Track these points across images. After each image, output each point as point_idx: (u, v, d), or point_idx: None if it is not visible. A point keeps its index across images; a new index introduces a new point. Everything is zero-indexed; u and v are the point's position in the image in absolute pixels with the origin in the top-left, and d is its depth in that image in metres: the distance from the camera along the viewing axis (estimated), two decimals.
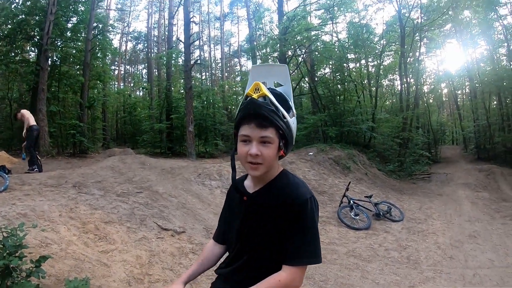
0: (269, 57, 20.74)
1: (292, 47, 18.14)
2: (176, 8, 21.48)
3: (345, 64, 18.90)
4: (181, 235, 5.01)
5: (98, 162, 11.19)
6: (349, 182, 9.30)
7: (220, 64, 40.64)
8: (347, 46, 19.06)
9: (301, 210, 1.22)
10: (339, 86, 18.85)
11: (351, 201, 8.07)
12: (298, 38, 17.78)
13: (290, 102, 1.30)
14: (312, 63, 20.20)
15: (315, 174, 10.92)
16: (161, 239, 4.70)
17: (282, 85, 1.37)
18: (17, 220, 3.74)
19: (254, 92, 1.21)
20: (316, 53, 19.15)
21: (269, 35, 22.92)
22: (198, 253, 4.41)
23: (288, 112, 1.25)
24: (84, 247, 3.87)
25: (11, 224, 3.73)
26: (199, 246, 4.73)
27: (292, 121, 1.28)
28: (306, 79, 20.68)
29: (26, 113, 8.33)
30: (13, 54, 16.17)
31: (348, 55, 19.43)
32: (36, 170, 7.80)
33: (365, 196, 8.82)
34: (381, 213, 8.06)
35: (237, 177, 1.42)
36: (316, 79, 20.10)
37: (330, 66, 21.23)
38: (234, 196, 1.43)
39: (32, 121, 8.22)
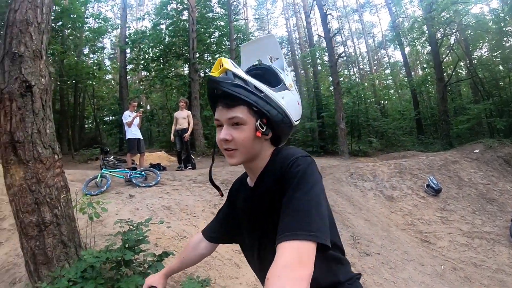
0: (417, 42, 18.43)
1: (441, 27, 15.69)
2: (310, 7, 21.34)
3: (505, 39, 15.13)
4: None
5: None
6: None
7: (366, 58, 38.37)
8: (502, 16, 15.10)
9: (286, 175, 0.94)
10: (500, 67, 15.38)
11: None
12: (445, 16, 15.27)
13: (281, 74, 1.08)
14: (466, 43, 17.00)
15: (483, 177, 8.66)
16: None
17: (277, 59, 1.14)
18: (161, 212, 3.97)
19: (217, 69, 0.98)
20: (470, 31, 16.08)
21: (413, 18, 20.42)
22: None
23: (274, 85, 1.03)
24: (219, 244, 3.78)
25: (154, 215, 3.98)
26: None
27: (282, 95, 1.02)
28: (462, 63, 17.47)
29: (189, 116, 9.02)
30: (167, 72, 19.61)
31: (505, 27, 15.36)
32: (181, 168, 8.79)
33: None
34: None
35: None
36: (474, 61, 16.82)
37: (487, 45, 17.43)
38: (237, 194, 1.26)
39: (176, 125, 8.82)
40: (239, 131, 1.00)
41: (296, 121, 1.07)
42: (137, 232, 2.35)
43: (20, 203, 2.53)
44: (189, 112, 9.07)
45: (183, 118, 8.64)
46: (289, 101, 1.05)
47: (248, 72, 1.05)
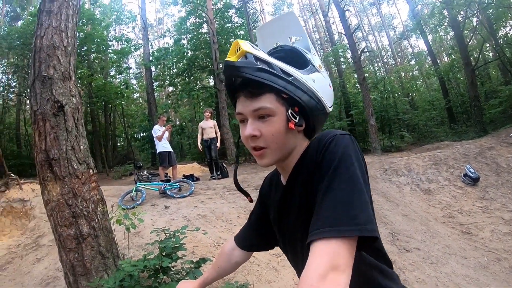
0: (439, 28, 17.85)
1: (461, 9, 15.05)
2: (327, 6, 21.24)
3: None
4: None
5: None
6: None
7: (390, 51, 37.50)
8: None
9: (321, 161, 0.77)
10: None
11: None
12: None
13: (307, 55, 0.90)
14: (489, 22, 16.25)
15: None
16: None
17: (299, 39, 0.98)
18: (196, 221, 4.03)
19: (234, 54, 0.81)
20: (491, 9, 15.23)
21: (432, 3, 19.83)
22: None
23: (301, 67, 0.85)
24: None
25: (190, 224, 4.04)
26: None
27: (312, 78, 0.85)
28: (488, 44, 16.70)
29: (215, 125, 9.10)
30: (193, 85, 20.29)
31: None
32: (213, 177, 8.87)
33: None
34: None
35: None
36: (500, 41, 16.08)
37: (511, 22, 16.75)
38: (269, 193, 1.10)
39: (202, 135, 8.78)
40: (268, 124, 0.84)
41: (330, 107, 0.91)
42: (174, 239, 2.39)
43: (58, 217, 2.63)
44: (215, 121, 9.05)
45: (210, 127, 8.63)
46: (321, 84, 0.88)
47: (269, 55, 0.85)
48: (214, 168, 8.97)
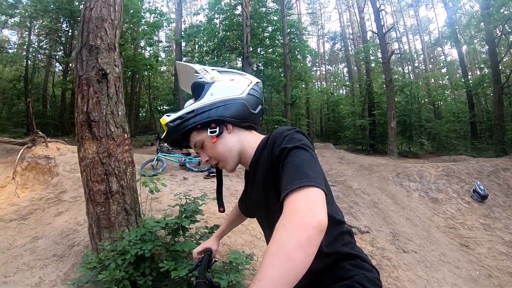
0: (474, 40, 17.34)
1: (499, 24, 14.63)
2: (364, 2, 20.85)
3: None
4: (364, 235, 4.71)
5: None
6: None
7: (422, 56, 36.49)
8: None
9: (276, 152, 0.97)
10: None
11: None
12: (504, 12, 14.23)
13: (200, 80, 1.16)
14: None
15: None
16: None
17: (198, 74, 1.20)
18: (212, 194, 4.30)
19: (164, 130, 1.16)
20: None
21: (469, 14, 19.25)
22: (377, 259, 4.12)
23: (198, 97, 1.13)
24: None
25: (206, 197, 4.34)
26: (380, 250, 4.30)
27: (210, 93, 1.12)
28: None
29: None
30: (221, 65, 19.91)
31: None
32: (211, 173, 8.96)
33: None
34: None
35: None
36: None
37: None
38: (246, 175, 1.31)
39: None
40: (206, 149, 1.13)
41: (241, 93, 1.14)
42: (193, 204, 2.66)
43: (91, 173, 2.94)
44: None
45: None
46: (218, 89, 1.12)
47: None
48: None
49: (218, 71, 1.20)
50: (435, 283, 3.88)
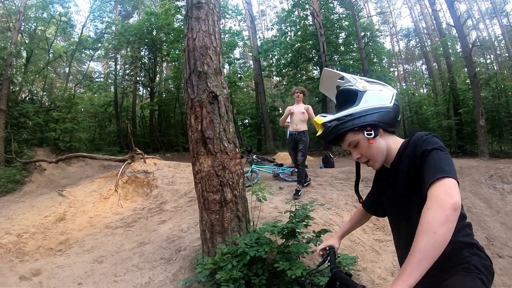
0: None
1: None
2: None
3: None
4: None
5: None
6: None
7: (503, 41, 32.35)
8: None
9: (418, 154, 1.18)
10: None
11: None
12: None
13: (352, 87, 1.35)
14: None
15: None
16: None
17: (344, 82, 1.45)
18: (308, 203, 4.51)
19: (319, 129, 1.35)
20: None
21: None
22: None
23: (352, 104, 1.29)
24: (361, 232, 4.20)
25: (303, 206, 4.54)
26: None
27: (364, 100, 1.29)
28: None
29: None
30: (299, 75, 20.93)
31: None
32: (321, 167, 9.00)
33: None
34: None
35: None
36: None
37: None
38: (379, 174, 1.54)
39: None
40: (360, 148, 1.31)
41: (389, 103, 1.32)
42: (303, 209, 2.89)
43: (206, 184, 3.32)
44: (309, 106, 6.31)
45: (301, 113, 6.10)
46: (371, 98, 1.30)
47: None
48: (298, 174, 6.04)
49: (366, 81, 1.38)
50: None
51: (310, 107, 6.20)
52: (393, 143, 1.35)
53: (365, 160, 1.35)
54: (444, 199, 0.98)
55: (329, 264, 1.60)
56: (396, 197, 1.36)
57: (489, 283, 1.19)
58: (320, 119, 1.32)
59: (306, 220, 2.81)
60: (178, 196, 6.73)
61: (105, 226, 5.74)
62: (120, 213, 6.46)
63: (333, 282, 1.40)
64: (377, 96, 1.32)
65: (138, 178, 8.13)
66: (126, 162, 8.86)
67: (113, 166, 11.27)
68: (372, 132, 1.28)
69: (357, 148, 1.33)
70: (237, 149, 3.41)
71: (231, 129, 3.41)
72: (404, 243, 1.29)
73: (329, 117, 1.31)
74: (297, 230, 2.78)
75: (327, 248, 1.71)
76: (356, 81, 1.37)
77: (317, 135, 1.37)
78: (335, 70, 1.51)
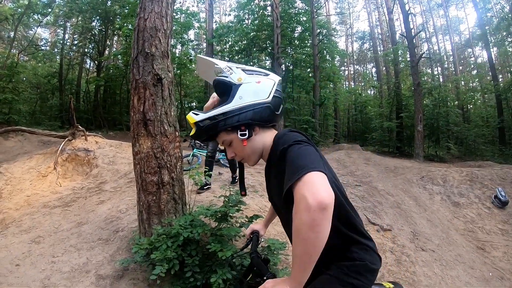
0: (506, 41, 16.94)
1: None
2: (393, 2, 20.69)
3: None
4: (386, 232, 4.95)
5: (326, 154, 11.94)
6: None
7: (452, 57, 35.18)
8: None
9: (278, 152, 1.13)
10: None
11: None
12: None
13: (226, 78, 1.24)
14: None
15: None
16: None
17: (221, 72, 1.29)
18: (246, 190, 4.66)
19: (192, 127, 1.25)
20: None
21: (501, 15, 18.82)
22: (397, 254, 4.41)
23: (229, 96, 1.21)
24: None
25: (236, 192, 4.69)
26: (400, 247, 4.56)
27: (239, 96, 1.21)
28: None
29: None
30: (251, 64, 20.68)
31: None
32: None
33: None
34: None
35: None
36: None
37: None
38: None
39: None
40: (233, 147, 1.27)
41: (267, 96, 1.23)
42: (237, 195, 3.03)
43: (144, 166, 3.33)
44: None
45: None
46: (246, 92, 1.21)
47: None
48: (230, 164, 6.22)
49: (243, 70, 1.27)
50: (449, 280, 4.10)
51: None
52: (271, 139, 1.27)
53: (239, 159, 1.33)
54: (308, 201, 0.90)
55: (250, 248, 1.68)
56: (272, 195, 1.40)
57: (368, 280, 1.18)
58: (192, 117, 1.23)
59: (238, 205, 2.95)
60: (118, 177, 6.59)
61: (43, 206, 5.50)
62: (58, 192, 6.20)
63: (252, 267, 1.47)
64: (253, 90, 1.23)
65: (78, 156, 7.80)
66: (66, 138, 8.41)
67: (53, 142, 10.68)
68: (247, 131, 1.23)
69: (230, 147, 1.29)
70: (177, 133, 3.45)
71: (172, 113, 3.44)
72: (290, 233, 1.17)
73: (201, 115, 1.22)
74: (229, 214, 2.92)
75: (252, 233, 1.80)
76: (232, 72, 1.25)
77: (190, 134, 1.29)
78: (208, 58, 1.35)
